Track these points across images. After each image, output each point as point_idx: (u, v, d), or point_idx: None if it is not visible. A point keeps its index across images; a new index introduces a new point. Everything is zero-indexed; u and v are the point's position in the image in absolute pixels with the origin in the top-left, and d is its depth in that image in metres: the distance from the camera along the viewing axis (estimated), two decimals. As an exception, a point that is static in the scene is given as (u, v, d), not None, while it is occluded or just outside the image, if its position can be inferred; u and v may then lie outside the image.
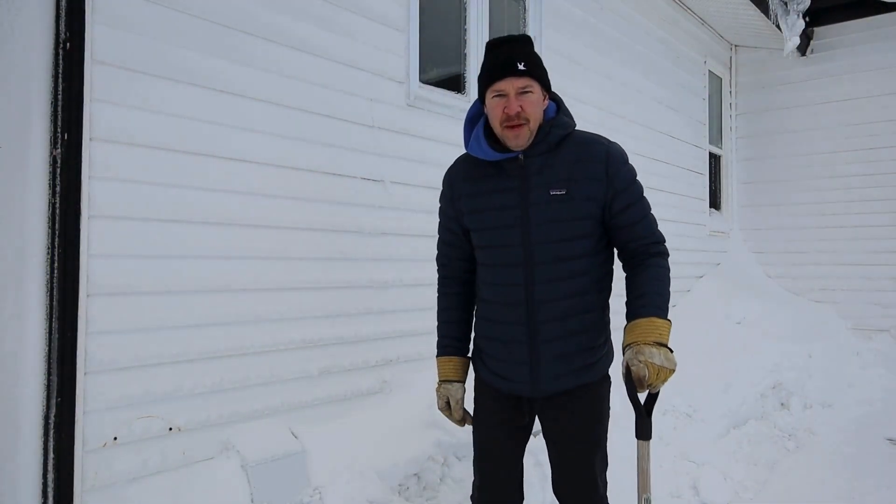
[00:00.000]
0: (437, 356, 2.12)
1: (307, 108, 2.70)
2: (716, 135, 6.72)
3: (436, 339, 2.15)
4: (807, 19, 5.93)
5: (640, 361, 1.72)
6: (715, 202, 6.75)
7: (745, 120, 6.95)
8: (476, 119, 1.99)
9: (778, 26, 5.78)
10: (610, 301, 2.02)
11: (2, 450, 1.93)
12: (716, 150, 6.69)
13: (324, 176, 2.77)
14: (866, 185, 6.24)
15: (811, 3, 5.89)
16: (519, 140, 1.85)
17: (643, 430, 1.78)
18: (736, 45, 6.95)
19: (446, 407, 2.09)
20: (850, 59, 6.35)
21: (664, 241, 1.96)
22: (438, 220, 2.12)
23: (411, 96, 3.17)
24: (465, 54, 3.62)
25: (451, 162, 2.12)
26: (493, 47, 1.90)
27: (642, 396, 1.80)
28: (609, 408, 2.02)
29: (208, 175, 2.36)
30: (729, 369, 4.57)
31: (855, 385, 5.24)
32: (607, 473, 2.07)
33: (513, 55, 1.83)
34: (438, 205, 2.12)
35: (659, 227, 1.97)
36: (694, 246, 6.06)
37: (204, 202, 2.35)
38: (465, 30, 3.62)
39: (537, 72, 1.86)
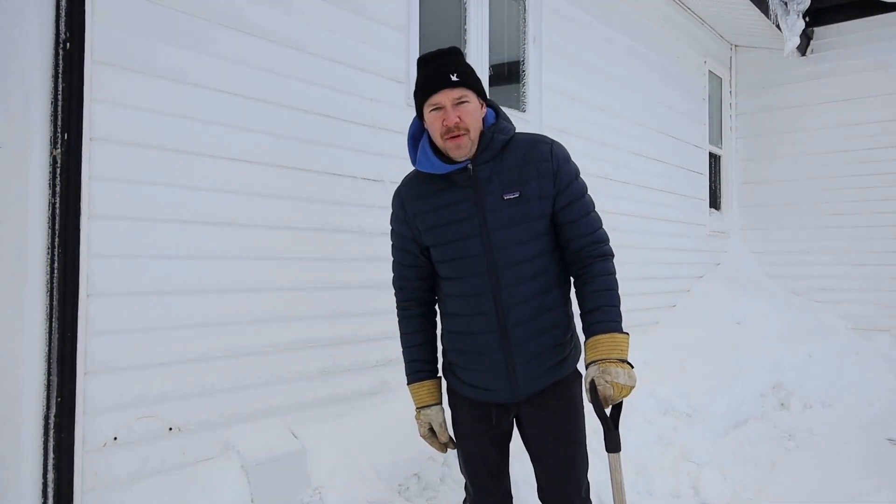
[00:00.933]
0: (408, 384, 2.11)
1: (307, 108, 2.70)
2: (716, 135, 6.72)
3: (404, 364, 2.13)
4: (807, 19, 5.93)
5: (606, 382, 1.77)
6: (715, 202, 6.75)
7: (745, 120, 6.95)
8: (418, 136, 2.00)
9: (778, 26, 5.78)
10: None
11: (2, 450, 1.93)
12: (716, 150, 6.69)
13: (324, 176, 2.77)
14: (866, 185, 6.24)
15: (811, 3, 5.89)
16: (461, 150, 1.87)
17: (612, 443, 1.83)
18: (736, 45, 6.95)
19: (430, 433, 2.09)
20: (850, 59, 6.35)
21: (607, 241, 1.97)
22: (392, 243, 2.10)
23: (411, 96, 3.16)
24: (465, 54, 3.62)
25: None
26: (424, 63, 1.92)
27: (607, 410, 1.84)
28: (583, 404, 2.04)
29: (208, 175, 2.36)
30: (729, 369, 4.57)
31: (855, 385, 5.23)
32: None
33: (446, 67, 1.86)
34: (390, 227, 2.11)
35: (603, 227, 1.98)
36: (694, 246, 6.06)
37: (204, 202, 2.35)
38: (465, 30, 3.62)
39: (471, 81, 1.88)
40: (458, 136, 1.85)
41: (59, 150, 1.94)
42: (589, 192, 1.99)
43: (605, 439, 1.83)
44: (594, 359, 1.82)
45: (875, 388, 5.22)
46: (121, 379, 2.12)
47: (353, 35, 2.90)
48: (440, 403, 2.09)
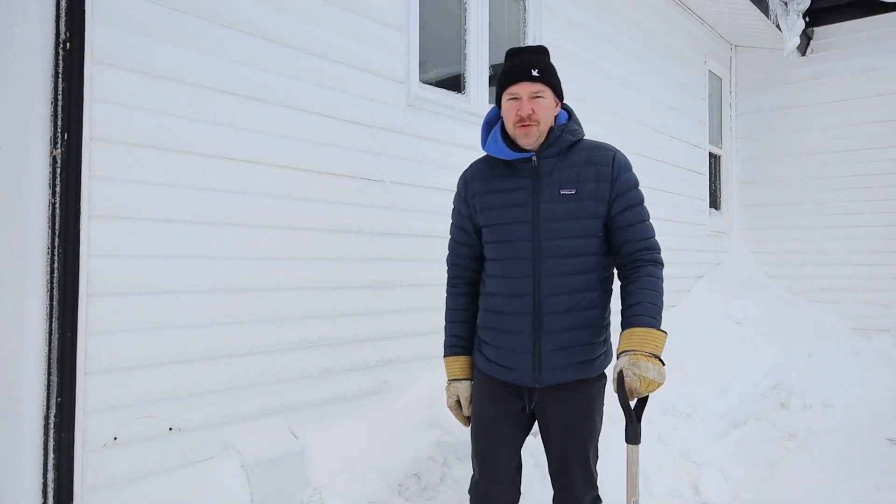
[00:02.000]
0: (444, 356, 2.21)
1: (307, 108, 2.70)
2: (716, 135, 6.72)
3: (442, 338, 2.23)
4: (807, 19, 5.93)
5: (634, 374, 1.81)
6: (715, 202, 6.75)
7: (745, 120, 6.94)
8: (493, 123, 2.13)
9: (778, 26, 5.78)
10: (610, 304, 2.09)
11: (2, 450, 1.93)
12: (716, 150, 6.69)
13: (324, 176, 2.77)
14: (866, 185, 6.23)
15: (811, 3, 5.88)
16: (528, 138, 1.98)
17: (633, 435, 1.87)
18: (736, 45, 6.95)
19: (456, 405, 2.18)
20: (850, 59, 6.35)
21: (659, 251, 2.04)
22: (451, 221, 2.22)
23: (411, 96, 3.16)
24: (465, 54, 3.61)
25: (454, 162, 2.22)
26: (512, 55, 2.07)
27: (632, 403, 1.88)
28: (603, 406, 2.10)
29: (209, 175, 2.36)
30: (729, 369, 4.57)
31: (855, 385, 5.23)
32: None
33: (529, 62, 2.00)
34: (452, 206, 2.23)
35: (657, 237, 2.05)
36: (694, 246, 6.06)
37: (204, 202, 2.35)
38: (465, 30, 3.62)
39: (550, 79, 2.02)
40: (529, 125, 1.97)
41: (59, 150, 1.94)
42: (646, 205, 2.06)
43: (626, 430, 1.87)
44: (626, 349, 1.86)
45: (875, 388, 5.21)
46: (121, 379, 2.12)
47: (353, 35, 2.90)
48: (471, 379, 2.18)
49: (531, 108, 1.96)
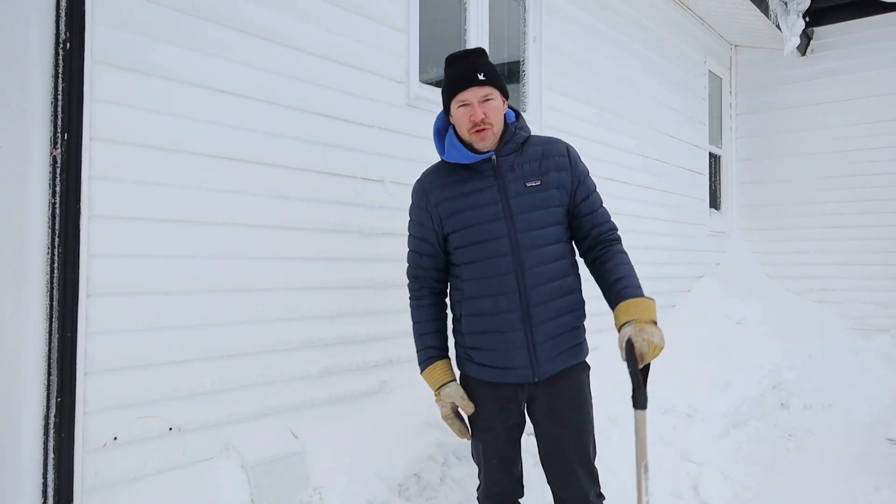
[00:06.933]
0: (422, 371, 2.16)
1: (307, 108, 2.70)
2: (716, 135, 6.72)
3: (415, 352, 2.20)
4: (807, 19, 5.93)
5: (643, 339, 1.85)
6: (715, 202, 6.75)
7: (745, 120, 6.94)
8: (443, 130, 2.15)
9: (778, 26, 5.78)
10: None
11: (2, 450, 1.92)
12: (716, 150, 6.69)
13: (324, 176, 2.77)
14: (866, 185, 6.23)
15: (811, 3, 5.89)
16: (485, 142, 2.02)
17: (641, 400, 1.92)
18: (736, 45, 6.95)
19: (453, 413, 2.12)
20: (850, 59, 6.35)
21: (618, 229, 2.15)
22: (410, 233, 2.20)
23: (411, 96, 3.17)
24: (465, 54, 3.61)
25: None
26: (453, 61, 2.07)
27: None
28: (591, 397, 2.15)
29: (208, 175, 2.36)
30: (729, 369, 4.57)
31: (855, 385, 5.23)
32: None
33: (473, 67, 2.00)
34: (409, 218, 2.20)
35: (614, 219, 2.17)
36: (694, 246, 6.06)
37: (204, 202, 2.35)
38: (465, 30, 3.62)
39: (496, 80, 2.03)
40: (484, 129, 2.00)
41: (59, 150, 1.94)
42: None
43: (633, 396, 1.90)
44: (629, 319, 1.90)
45: (875, 388, 5.21)
46: (121, 379, 2.12)
47: (353, 35, 2.90)
48: (455, 379, 2.15)
49: (483, 112, 1.98)
